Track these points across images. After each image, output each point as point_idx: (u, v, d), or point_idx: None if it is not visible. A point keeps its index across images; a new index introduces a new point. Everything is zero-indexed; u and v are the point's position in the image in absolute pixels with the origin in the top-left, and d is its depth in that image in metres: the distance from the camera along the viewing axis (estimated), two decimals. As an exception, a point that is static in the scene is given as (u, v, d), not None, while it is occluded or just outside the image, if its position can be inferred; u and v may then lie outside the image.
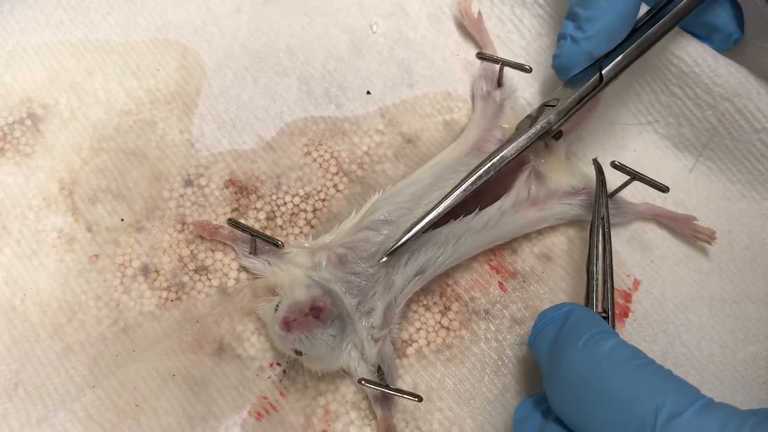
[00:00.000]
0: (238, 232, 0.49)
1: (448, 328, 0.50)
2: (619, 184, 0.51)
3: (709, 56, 0.52)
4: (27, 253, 0.49)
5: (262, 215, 0.51)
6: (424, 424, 0.48)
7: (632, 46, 0.49)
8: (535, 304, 0.51)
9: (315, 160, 0.53)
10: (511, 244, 0.52)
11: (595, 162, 0.51)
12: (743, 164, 0.55)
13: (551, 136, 0.51)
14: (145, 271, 0.49)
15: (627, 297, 0.52)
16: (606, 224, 0.48)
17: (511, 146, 0.48)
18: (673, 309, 0.52)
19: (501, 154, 0.48)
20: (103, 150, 0.52)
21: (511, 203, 0.50)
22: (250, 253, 0.49)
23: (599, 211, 0.48)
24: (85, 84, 0.53)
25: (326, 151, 0.54)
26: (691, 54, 0.52)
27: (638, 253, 0.53)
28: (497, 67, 0.53)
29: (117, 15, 0.55)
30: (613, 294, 0.46)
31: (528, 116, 0.51)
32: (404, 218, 0.48)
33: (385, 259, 0.46)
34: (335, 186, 0.53)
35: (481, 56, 0.53)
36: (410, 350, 0.49)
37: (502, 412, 0.48)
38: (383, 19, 0.57)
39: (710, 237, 0.53)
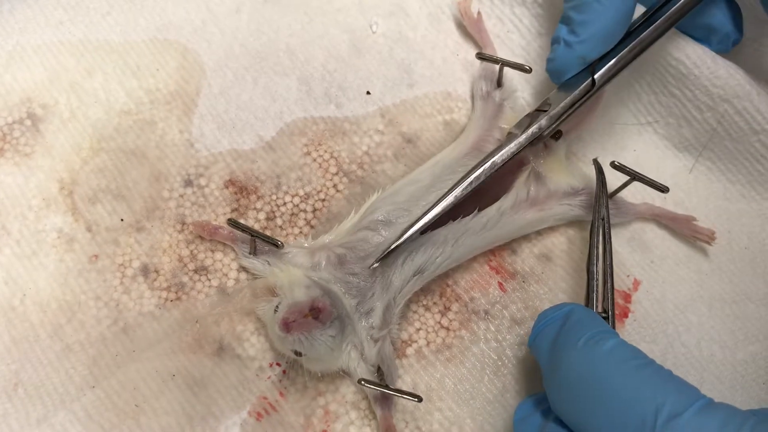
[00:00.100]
0: (238, 233, 0.49)
1: (447, 329, 0.50)
2: (619, 184, 0.51)
3: (708, 58, 0.52)
4: (27, 253, 0.49)
5: (261, 215, 0.51)
6: (424, 425, 0.48)
7: (625, 50, 0.49)
8: (535, 305, 0.51)
9: (315, 160, 0.53)
10: (510, 244, 0.52)
11: (596, 162, 0.51)
12: (743, 165, 0.55)
13: (551, 137, 0.51)
14: (145, 271, 0.49)
15: (627, 297, 0.52)
16: (606, 224, 0.48)
17: (501, 152, 0.48)
18: (672, 309, 0.52)
19: (492, 160, 0.48)
20: (103, 150, 0.52)
21: (510, 204, 0.50)
22: (250, 254, 0.49)
23: (599, 212, 0.48)
24: (85, 84, 0.53)
25: (326, 151, 0.54)
26: (690, 56, 0.52)
27: (638, 254, 0.53)
28: (497, 67, 0.53)
29: (117, 15, 0.55)
30: (613, 294, 0.46)
31: (522, 119, 0.50)
32: (403, 219, 0.48)
33: (376, 264, 0.46)
34: (335, 186, 0.53)
35: (481, 56, 0.53)
36: (410, 350, 0.49)
37: (502, 413, 0.48)
38: (383, 19, 0.57)
39: (710, 237, 0.53)
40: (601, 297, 0.46)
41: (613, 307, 0.45)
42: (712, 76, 0.52)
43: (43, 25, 0.54)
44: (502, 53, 0.57)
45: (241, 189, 0.52)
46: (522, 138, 0.48)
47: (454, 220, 0.48)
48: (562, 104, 0.49)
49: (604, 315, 0.45)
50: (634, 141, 0.56)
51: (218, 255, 0.50)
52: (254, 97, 0.54)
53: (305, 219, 0.52)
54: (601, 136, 0.56)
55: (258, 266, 0.49)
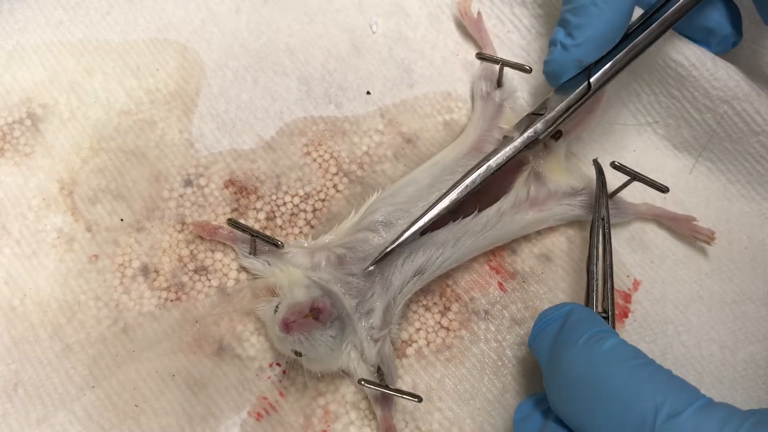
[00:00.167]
0: (238, 233, 0.49)
1: (447, 329, 0.50)
2: (619, 184, 0.51)
3: (707, 59, 0.52)
4: (27, 253, 0.49)
5: (261, 215, 0.51)
6: (424, 425, 0.48)
7: (620, 53, 0.49)
8: (535, 305, 0.51)
9: (315, 160, 0.53)
10: (510, 244, 0.52)
11: (596, 163, 0.51)
12: (743, 165, 0.55)
13: (551, 137, 0.51)
14: (145, 271, 0.49)
15: (627, 297, 0.52)
16: (606, 224, 0.48)
17: (497, 156, 0.48)
18: (672, 309, 0.52)
19: (487, 164, 0.48)
20: (103, 150, 0.52)
21: (510, 204, 0.50)
22: (250, 254, 0.49)
23: (599, 212, 0.49)
24: (85, 84, 0.53)
25: (326, 151, 0.54)
26: (690, 57, 0.52)
27: (638, 254, 0.53)
28: (497, 67, 0.53)
29: (117, 15, 0.55)
30: (613, 294, 0.46)
31: (519, 122, 0.50)
32: (403, 220, 0.48)
33: (371, 268, 0.46)
34: (335, 186, 0.53)
35: (481, 56, 0.53)
36: (410, 350, 0.49)
37: (502, 413, 0.48)
38: (383, 18, 0.57)
39: (710, 237, 0.53)
40: (601, 297, 0.46)
41: (613, 306, 0.45)
42: (711, 77, 0.52)
43: (42, 25, 0.54)
44: (502, 53, 0.57)
45: (241, 189, 0.52)
46: (517, 142, 0.48)
47: (454, 221, 0.48)
48: (558, 108, 0.49)
49: (604, 315, 0.45)
50: (634, 141, 0.56)
51: (218, 255, 0.50)
52: (254, 97, 0.54)
53: (305, 219, 0.52)
54: (601, 136, 0.56)
55: (258, 266, 0.49)
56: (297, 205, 0.52)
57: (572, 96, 0.49)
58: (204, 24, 0.56)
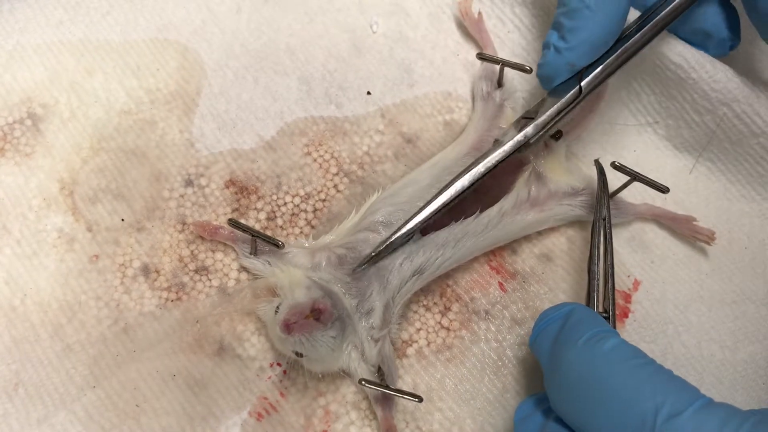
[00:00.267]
0: (239, 233, 0.49)
1: (448, 329, 0.50)
2: (619, 184, 0.51)
3: (706, 62, 0.52)
4: (27, 253, 0.49)
5: (262, 215, 0.51)
6: (424, 425, 0.48)
7: (611, 57, 0.48)
8: (535, 305, 0.51)
9: (315, 160, 0.53)
10: (511, 244, 0.52)
11: (597, 163, 0.51)
12: (743, 166, 0.55)
13: (551, 136, 0.51)
14: (146, 271, 0.49)
15: (627, 297, 0.52)
16: (607, 225, 0.48)
17: (485, 160, 0.48)
18: (672, 309, 0.52)
19: (475, 168, 0.48)
20: (103, 150, 0.52)
21: (511, 205, 0.50)
22: (251, 254, 0.49)
23: (600, 212, 0.49)
24: (85, 83, 0.53)
25: (326, 151, 0.54)
26: (689, 60, 0.52)
27: (638, 254, 0.53)
28: (497, 67, 0.53)
29: (117, 14, 0.55)
30: (614, 294, 0.46)
31: (510, 126, 0.50)
32: (403, 220, 0.48)
33: (359, 270, 0.46)
34: (335, 186, 0.53)
35: (482, 56, 0.53)
36: (410, 350, 0.49)
37: (502, 413, 0.48)
38: (383, 18, 0.57)
39: (710, 237, 0.53)
40: (601, 297, 0.46)
41: (614, 306, 0.45)
42: (710, 79, 0.52)
43: (43, 25, 0.54)
44: (502, 53, 0.57)
45: (241, 189, 0.52)
46: (507, 146, 0.48)
47: (455, 221, 0.48)
48: (548, 112, 0.48)
49: (604, 315, 0.45)
50: (634, 141, 0.56)
51: (219, 255, 0.50)
52: (255, 97, 0.54)
53: (306, 219, 0.52)
54: (601, 136, 0.56)
55: (258, 266, 0.49)
56: (297, 205, 0.52)
57: (563, 100, 0.48)
58: (204, 24, 0.56)
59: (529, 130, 0.48)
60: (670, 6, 0.48)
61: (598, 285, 0.46)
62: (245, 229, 0.48)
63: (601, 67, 0.48)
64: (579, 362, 0.39)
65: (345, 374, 0.47)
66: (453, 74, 0.57)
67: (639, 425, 0.35)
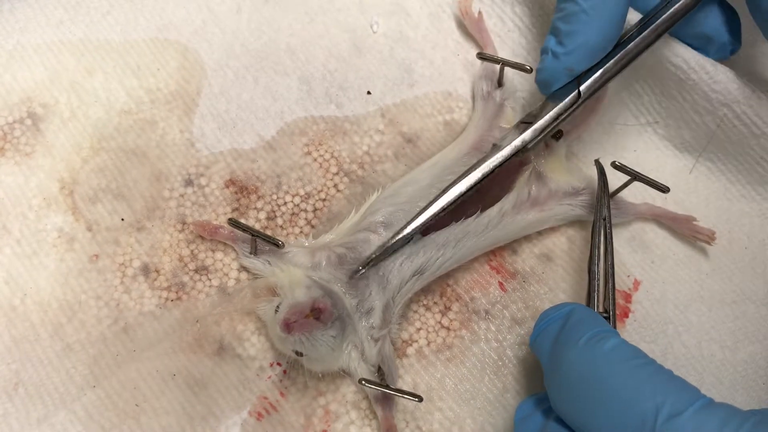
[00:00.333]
0: (239, 232, 0.49)
1: (448, 328, 0.50)
2: (619, 184, 0.51)
3: (707, 63, 0.52)
4: (27, 253, 0.49)
5: (262, 215, 0.51)
6: (424, 424, 0.48)
7: (611, 62, 0.48)
8: (536, 305, 0.51)
9: (315, 159, 0.53)
10: (511, 244, 0.52)
11: (597, 163, 0.51)
12: (743, 166, 0.55)
13: (551, 136, 0.51)
14: (146, 270, 0.49)
15: (627, 297, 0.52)
16: (608, 225, 0.48)
17: (483, 165, 0.47)
18: (673, 309, 0.52)
19: (473, 173, 0.47)
20: (104, 149, 0.52)
21: (511, 204, 0.50)
22: (251, 253, 0.49)
23: (601, 212, 0.49)
24: (85, 83, 0.53)
25: (326, 151, 0.54)
26: (689, 61, 0.52)
27: (638, 254, 0.53)
28: (498, 67, 0.53)
29: (117, 14, 0.55)
30: (614, 294, 0.46)
31: (509, 131, 0.50)
32: (403, 221, 0.48)
33: (358, 274, 0.46)
34: (335, 186, 0.53)
35: (482, 56, 0.53)
36: (410, 350, 0.49)
37: (503, 412, 0.48)
38: (384, 18, 0.57)
39: (710, 237, 0.53)
40: (602, 297, 0.46)
41: (614, 306, 0.45)
42: (710, 81, 0.52)
43: (43, 25, 0.54)
44: (502, 52, 0.57)
45: (241, 188, 0.52)
46: (505, 151, 0.48)
47: (456, 221, 0.48)
48: (546, 117, 0.48)
49: (605, 315, 0.45)
50: (634, 141, 0.56)
51: (219, 255, 0.50)
52: (255, 97, 0.54)
53: (306, 219, 0.52)
54: (601, 136, 0.56)
55: (258, 266, 0.49)
56: (297, 205, 0.52)
57: (561, 104, 0.48)
58: (205, 24, 0.56)
59: (527, 134, 0.48)
60: (671, 10, 0.48)
61: (598, 285, 0.46)
62: (245, 228, 0.48)
63: (600, 71, 0.48)
64: (579, 362, 0.39)
65: (345, 374, 0.47)
66: (453, 74, 0.57)
67: (639, 425, 0.35)
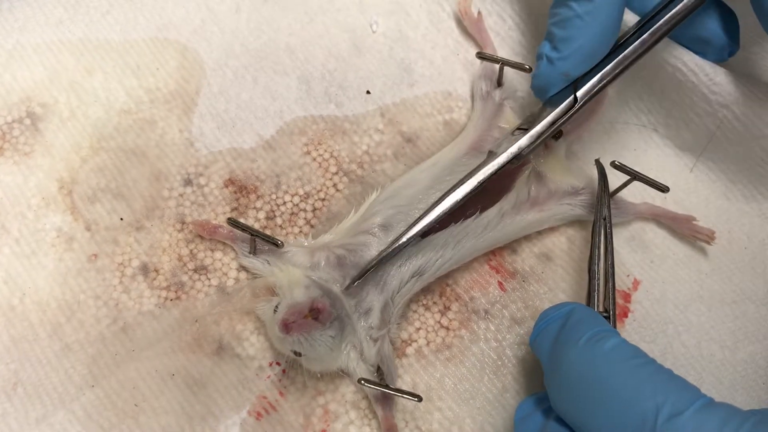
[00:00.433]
0: (238, 232, 0.48)
1: (447, 328, 0.50)
2: (619, 183, 0.51)
3: (706, 65, 0.51)
4: (26, 253, 0.49)
5: (261, 215, 0.51)
6: (424, 424, 0.48)
7: (608, 66, 0.47)
8: (535, 304, 0.51)
9: (315, 159, 0.53)
10: (511, 243, 0.52)
11: (598, 163, 0.51)
12: (743, 166, 0.55)
13: (551, 136, 0.51)
14: (145, 270, 0.49)
15: (626, 297, 0.52)
16: (608, 224, 0.48)
17: (478, 173, 0.47)
18: (672, 309, 0.52)
19: (469, 180, 0.46)
20: (103, 149, 0.52)
21: (510, 205, 0.50)
22: (250, 253, 0.49)
23: (601, 211, 0.48)
24: (85, 83, 0.53)
25: (326, 151, 0.54)
26: (688, 63, 0.51)
27: (638, 253, 0.53)
28: (497, 66, 0.53)
29: (117, 14, 0.55)
30: (614, 294, 0.46)
31: (505, 137, 0.49)
32: (402, 223, 0.47)
33: (355, 284, 0.46)
34: (335, 185, 0.53)
35: (482, 56, 0.53)
36: (410, 350, 0.49)
37: (502, 412, 0.48)
38: (383, 18, 0.57)
39: (710, 237, 0.53)
40: (602, 296, 0.46)
41: (614, 306, 0.45)
42: (710, 83, 0.52)
43: (42, 24, 0.54)
44: (502, 51, 0.57)
45: (240, 188, 0.52)
46: (501, 158, 0.47)
47: (455, 223, 0.48)
48: (542, 123, 0.47)
49: (605, 314, 0.45)
50: (634, 140, 0.56)
51: (218, 254, 0.50)
52: (254, 97, 0.54)
53: (305, 218, 0.52)
54: (601, 135, 0.56)
55: (258, 265, 0.49)
56: (297, 205, 0.52)
57: (557, 110, 0.48)
58: (204, 23, 0.56)
59: (523, 141, 0.47)
60: (669, 14, 0.47)
61: (598, 284, 0.46)
62: (244, 228, 0.48)
63: (597, 77, 0.47)
64: (579, 362, 0.38)
65: (344, 374, 0.47)
66: (453, 74, 0.57)
67: (639, 425, 0.35)
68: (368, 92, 0.55)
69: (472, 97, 0.56)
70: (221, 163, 0.52)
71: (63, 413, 0.45)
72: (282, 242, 0.47)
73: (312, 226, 0.52)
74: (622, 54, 0.47)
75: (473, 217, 0.48)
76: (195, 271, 0.50)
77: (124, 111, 0.53)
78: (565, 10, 0.46)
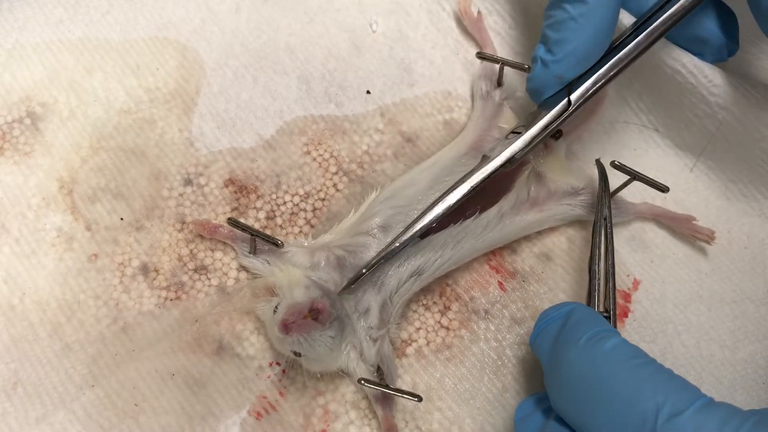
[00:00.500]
0: (238, 231, 0.48)
1: (447, 328, 0.50)
2: (619, 183, 0.51)
3: (705, 67, 0.51)
4: (26, 252, 0.49)
5: (261, 214, 0.51)
6: (424, 424, 0.48)
7: (603, 69, 0.47)
8: (535, 304, 0.51)
9: (315, 159, 0.53)
10: (510, 243, 0.52)
11: (598, 163, 0.51)
12: (743, 166, 0.54)
13: (551, 136, 0.51)
14: (145, 270, 0.49)
15: (626, 297, 0.52)
16: (608, 224, 0.48)
17: (472, 177, 0.46)
18: (672, 309, 0.52)
19: (462, 186, 0.46)
20: (103, 149, 0.51)
21: (510, 205, 0.50)
22: (250, 253, 0.49)
23: (602, 211, 0.48)
24: (85, 82, 0.53)
25: (326, 150, 0.53)
26: (687, 66, 0.51)
27: (638, 253, 0.53)
28: (497, 66, 0.53)
29: (116, 13, 0.55)
30: (614, 294, 0.46)
31: (500, 142, 0.49)
32: (401, 224, 0.47)
33: (349, 288, 0.46)
34: (335, 185, 0.53)
35: (481, 56, 0.53)
36: (410, 350, 0.49)
37: (502, 412, 0.48)
38: (383, 17, 0.57)
39: (710, 237, 0.53)
40: (602, 296, 0.46)
41: (614, 306, 0.45)
42: (709, 84, 0.51)
43: (42, 24, 0.54)
44: (502, 51, 0.57)
45: (240, 188, 0.52)
46: (496, 162, 0.46)
47: (455, 223, 0.48)
48: (535, 127, 0.47)
49: (605, 314, 0.45)
50: (634, 140, 0.56)
51: (218, 254, 0.50)
52: (254, 96, 0.54)
53: (305, 218, 0.52)
54: (601, 135, 0.56)
55: (258, 265, 0.49)
56: (297, 204, 0.52)
57: (550, 114, 0.47)
58: (204, 23, 0.56)
59: (515, 145, 0.47)
60: (665, 15, 0.47)
61: (598, 284, 0.46)
62: (244, 228, 0.48)
63: (591, 80, 0.47)
64: (580, 362, 0.38)
65: (344, 374, 0.47)
66: (453, 73, 0.57)
67: (640, 424, 0.35)
68: (368, 92, 0.55)
69: (472, 96, 0.56)
70: (221, 163, 0.52)
71: (63, 413, 0.45)
72: (282, 242, 0.47)
73: (312, 226, 0.52)
74: (617, 57, 0.47)
75: (472, 217, 0.48)
76: (195, 271, 0.50)
77: (124, 111, 0.53)
78: (559, 12, 0.45)
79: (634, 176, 0.49)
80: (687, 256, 0.54)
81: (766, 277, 0.54)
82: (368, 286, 0.47)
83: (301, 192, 0.52)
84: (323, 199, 0.52)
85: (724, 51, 0.51)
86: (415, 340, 0.50)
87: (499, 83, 0.54)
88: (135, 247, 0.50)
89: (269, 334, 0.47)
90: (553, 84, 0.47)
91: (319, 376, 0.47)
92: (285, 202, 0.52)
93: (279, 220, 0.51)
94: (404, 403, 0.48)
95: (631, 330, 0.51)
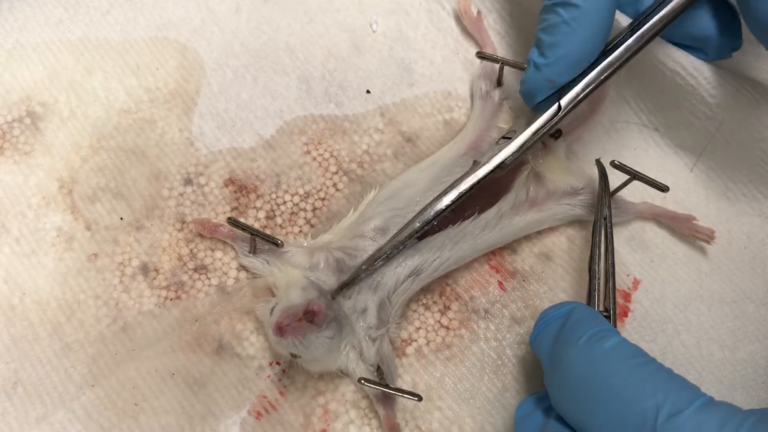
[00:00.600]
0: (238, 231, 0.48)
1: (447, 328, 0.50)
2: (619, 183, 0.51)
3: (705, 68, 0.51)
4: (26, 252, 0.49)
5: (261, 214, 0.51)
6: (424, 423, 0.48)
7: (593, 73, 0.46)
8: (535, 304, 0.51)
9: (315, 159, 0.53)
10: (510, 243, 0.52)
11: (598, 162, 0.51)
12: (743, 166, 0.54)
13: (550, 136, 0.51)
14: (145, 269, 0.49)
15: (626, 296, 0.52)
16: (608, 224, 0.48)
17: (463, 182, 0.46)
18: (672, 308, 0.52)
19: (454, 190, 0.46)
20: (103, 148, 0.52)
21: (509, 206, 0.50)
22: (250, 252, 0.49)
23: (602, 211, 0.48)
24: (85, 82, 0.53)
25: (326, 150, 0.54)
26: (687, 67, 0.51)
27: (638, 253, 0.53)
28: (497, 66, 0.53)
29: (116, 13, 0.55)
30: (614, 293, 0.46)
31: (493, 146, 0.49)
32: (399, 227, 0.47)
33: (340, 293, 0.46)
34: (335, 185, 0.53)
35: (481, 55, 0.53)
36: (410, 349, 0.49)
37: (502, 412, 0.48)
38: (383, 17, 0.57)
39: (710, 237, 0.53)
40: (602, 296, 0.46)
41: (614, 306, 0.45)
42: (709, 86, 0.51)
43: (42, 24, 0.54)
44: (502, 50, 0.57)
45: (240, 188, 0.52)
46: (486, 168, 0.46)
47: (453, 224, 0.48)
48: (525, 132, 0.47)
49: (605, 314, 0.45)
50: (634, 140, 0.56)
51: (218, 254, 0.50)
52: (254, 96, 0.54)
53: (305, 218, 0.52)
54: (601, 135, 0.56)
55: (257, 265, 0.49)
56: (297, 204, 0.52)
57: (540, 119, 0.47)
58: (204, 23, 0.56)
59: (505, 151, 0.47)
60: (655, 18, 0.46)
61: (598, 284, 0.46)
62: (244, 227, 0.48)
63: (582, 83, 0.47)
64: (580, 361, 0.39)
65: (343, 374, 0.47)
66: (453, 73, 0.57)
67: (640, 424, 0.35)
68: (368, 92, 0.55)
69: (472, 96, 0.56)
70: (221, 163, 0.52)
71: (63, 412, 0.45)
72: (282, 242, 0.47)
73: (312, 226, 0.52)
74: (607, 60, 0.47)
75: (471, 218, 0.48)
76: (195, 270, 0.50)
77: (124, 110, 0.53)
78: (552, 16, 0.45)
79: (634, 176, 0.49)
80: (687, 255, 0.54)
81: (766, 277, 0.54)
82: (363, 287, 0.46)
83: (301, 192, 0.52)
84: (323, 199, 0.52)
85: (726, 47, 0.51)
86: (415, 340, 0.50)
87: (499, 83, 0.54)
88: (135, 246, 0.50)
89: (267, 335, 0.47)
90: (545, 87, 0.47)
91: (316, 376, 0.47)
92: (285, 202, 0.52)
93: (279, 220, 0.51)
94: (404, 402, 0.48)
95: (631, 329, 0.51)
